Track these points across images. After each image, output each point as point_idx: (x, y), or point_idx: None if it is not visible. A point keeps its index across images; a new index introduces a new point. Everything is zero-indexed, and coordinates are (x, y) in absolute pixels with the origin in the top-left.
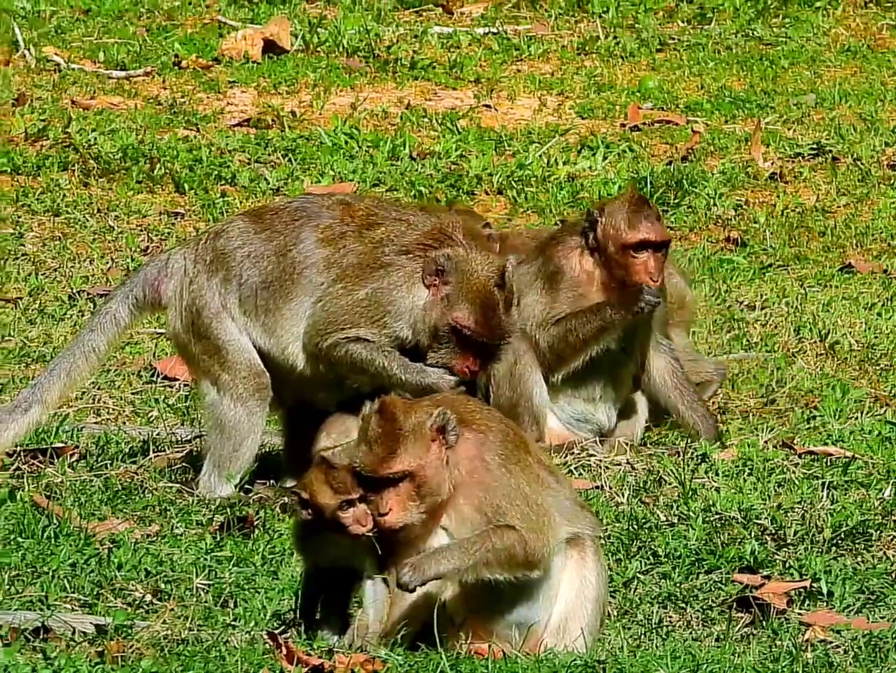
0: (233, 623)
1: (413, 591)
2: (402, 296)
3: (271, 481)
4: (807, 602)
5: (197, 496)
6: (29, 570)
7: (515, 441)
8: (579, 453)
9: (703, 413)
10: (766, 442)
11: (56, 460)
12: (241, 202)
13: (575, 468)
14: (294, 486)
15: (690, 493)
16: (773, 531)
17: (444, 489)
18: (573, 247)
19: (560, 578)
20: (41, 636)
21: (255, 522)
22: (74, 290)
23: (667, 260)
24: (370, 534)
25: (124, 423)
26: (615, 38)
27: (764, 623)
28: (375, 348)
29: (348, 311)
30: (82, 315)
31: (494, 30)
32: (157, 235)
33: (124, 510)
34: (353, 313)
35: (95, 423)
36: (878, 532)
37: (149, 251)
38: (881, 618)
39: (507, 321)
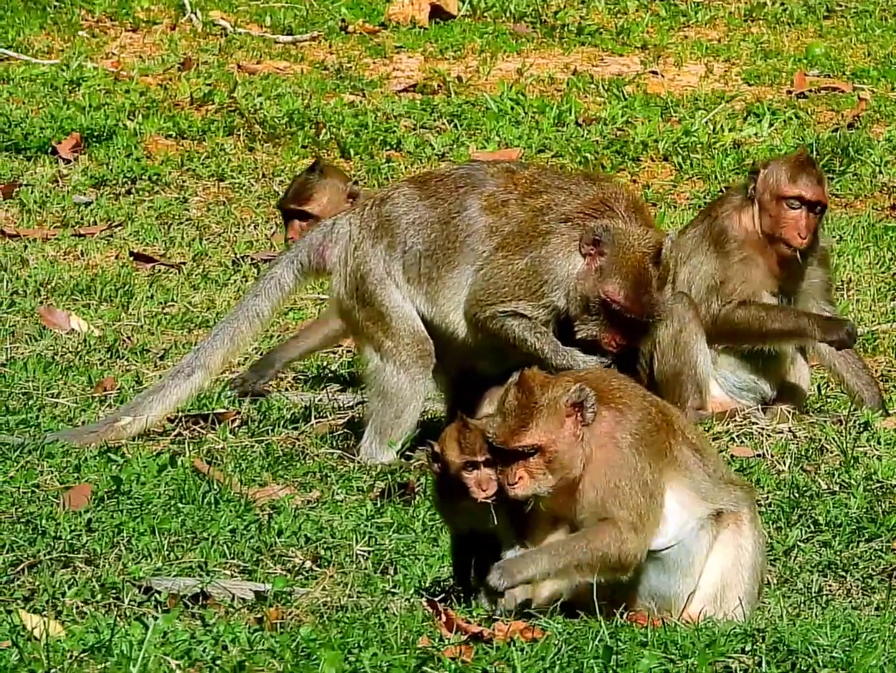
0: (392, 590)
1: (502, 595)
2: (559, 264)
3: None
4: None
5: (358, 462)
6: (189, 536)
7: (656, 421)
8: (741, 421)
9: (868, 380)
10: None
11: (217, 426)
12: (406, 168)
13: (737, 436)
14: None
15: (852, 461)
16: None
17: (575, 465)
18: (736, 205)
19: (702, 552)
20: (200, 603)
21: (416, 489)
22: (238, 256)
23: (820, 224)
24: (490, 501)
25: (286, 389)
26: (782, 4)
27: None
28: (530, 327)
29: (508, 283)
30: (246, 280)
31: None
32: None
33: (285, 476)
34: (513, 285)
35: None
36: None
37: None
38: None
39: (659, 299)
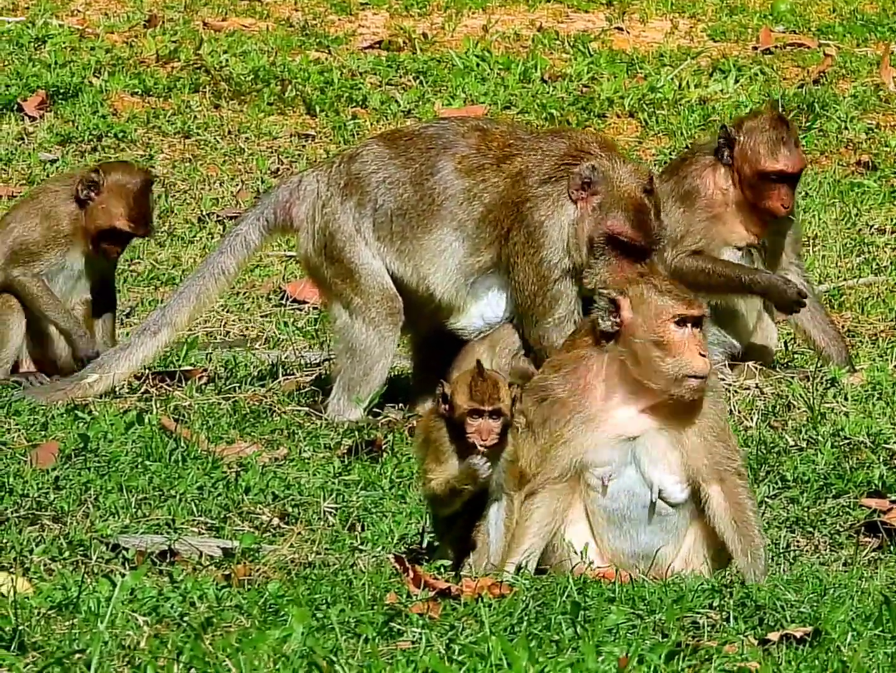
0: (360, 547)
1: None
2: (552, 224)
3: (400, 405)
4: None
5: (325, 420)
6: (156, 493)
7: None
8: None
9: (835, 336)
10: (895, 366)
11: (184, 383)
12: (371, 124)
13: None
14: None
15: (819, 417)
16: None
17: None
18: (707, 165)
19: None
20: (168, 560)
21: (384, 446)
22: (204, 213)
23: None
24: (484, 449)
25: (252, 346)
26: None
27: (892, 548)
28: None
29: (527, 288)
30: (212, 238)
31: None
32: (287, 157)
33: (252, 433)
34: (533, 276)
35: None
36: None
37: (279, 173)
38: None
39: (660, 225)
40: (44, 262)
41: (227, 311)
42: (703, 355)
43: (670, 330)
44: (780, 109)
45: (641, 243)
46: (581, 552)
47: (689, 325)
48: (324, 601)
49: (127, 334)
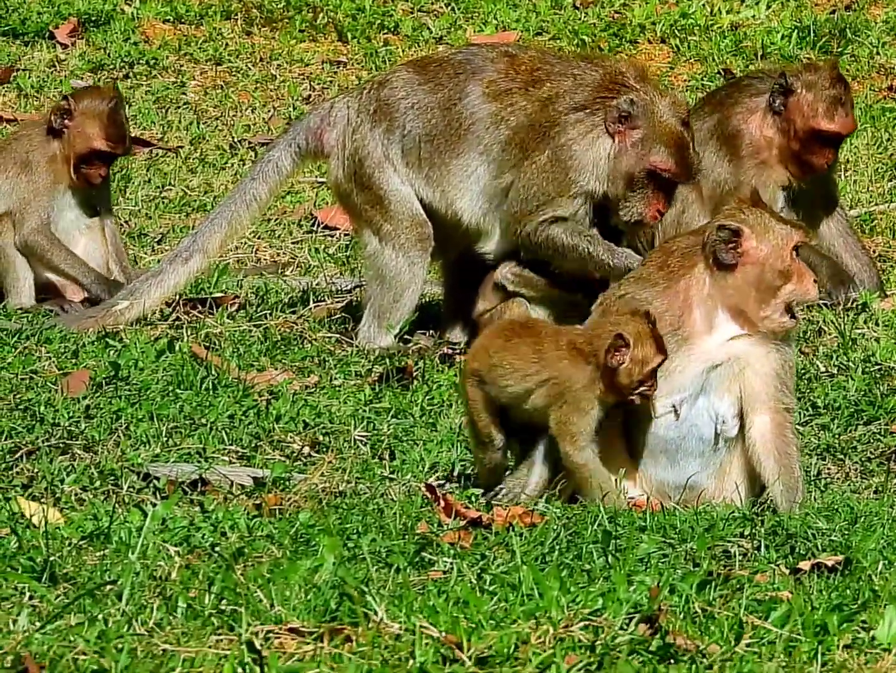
0: (391, 476)
1: None
2: (583, 149)
3: (431, 332)
4: None
5: (356, 347)
6: (187, 422)
7: None
8: None
9: (867, 261)
10: None
11: (215, 311)
12: (403, 51)
13: None
14: (617, 327)
15: (850, 343)
16: None
17: None
18: (753, 109)
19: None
20: (199, 489)
21: (415, 373)
22: (236, 139)
23: None
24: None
25: (283, 272)
26: None
27: None
28: (577, 231)
29: (536, 183)
30: (243, 164)
31: None
32: (318, 84)
33: (283, 361)
34: (542, 183)
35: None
36: None
37: (311, 100)
38: None
39: (698, 158)
40: (33, 213)
41: (258, 238)
42: (816, 281)
43: (793, 257)
44: (812, 35)
45: (682, 179)
46: (617, 480)
47: (801, 251)
48: (355, 531)
49: (158, 261)
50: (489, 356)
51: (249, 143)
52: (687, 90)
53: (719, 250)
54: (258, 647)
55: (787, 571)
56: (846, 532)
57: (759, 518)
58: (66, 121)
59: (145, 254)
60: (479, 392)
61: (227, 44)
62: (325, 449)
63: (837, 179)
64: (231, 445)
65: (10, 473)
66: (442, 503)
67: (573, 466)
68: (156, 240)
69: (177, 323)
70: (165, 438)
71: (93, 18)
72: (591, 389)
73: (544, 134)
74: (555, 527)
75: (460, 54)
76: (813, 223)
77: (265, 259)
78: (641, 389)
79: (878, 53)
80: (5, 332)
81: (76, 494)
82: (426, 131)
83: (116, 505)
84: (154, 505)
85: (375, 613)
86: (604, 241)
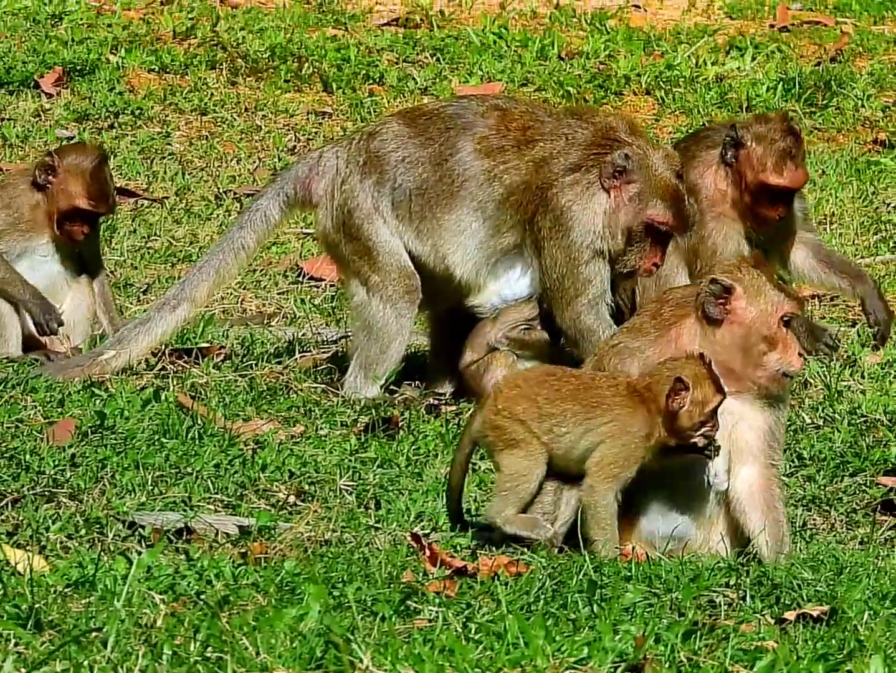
0: (376, 525)
1: None
2: (581, 208)
3: (417, 382)
4: None
5: (342, 397)
6: (173, 470)
7: None
8: None
9: (855, 271)
10: None
11: (201, 360)
12: (388, 102)
13: None
14: (675, 371)
15: (836, 395)
16: None
17: None
18: (709, 163)
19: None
20: (184, 537)
21: (400, 423)
22: (221, 190)
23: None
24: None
25: (269, 323)
26: None
27: None
28: (608, 325)
29: (551, 255)
30: (229, 215)
31: None
32: (304, 135)
33: (269, 411)
34: (555, 252)
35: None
36: None
37: (296, 151)
38: None
39: (694, 210)
40: (3, 243)
41: (244, 289)
42: (801, 355)
43: (780, 326)
44: (797, 87)
45: (679, 231)
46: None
47: (792, 322)
48: (340, 579)
49: (144, 311)
50: (538, 406)
51: (235, 193)
52: (672, 142)
53: (708, 303)
54: None
55: (773, 621)
56: (832, 582)
57: (745, 568)
58: (49, 177)
59: (131, 304)
60: (524, 444)
61: (212, 94)
62: (310, 498)
63: (822, 232)
64: (216, 493)
65: None
66: (427, 552)
67: (592, 502)
68: (141, 290)
69: (163, 373)
70: (151, 487)
71: (78, 68)
72: (648, 435)
73: (542, 196)
74: (540, 576)
75: (450, 107)
76: (793, 265)
77: (251, 310)
78: (703, 430)
79: (863, 106)
80: None
81: (61, 542)
82: (417, 185)
83: (102, 553)
84: (139, 553)
85: (361, 661)
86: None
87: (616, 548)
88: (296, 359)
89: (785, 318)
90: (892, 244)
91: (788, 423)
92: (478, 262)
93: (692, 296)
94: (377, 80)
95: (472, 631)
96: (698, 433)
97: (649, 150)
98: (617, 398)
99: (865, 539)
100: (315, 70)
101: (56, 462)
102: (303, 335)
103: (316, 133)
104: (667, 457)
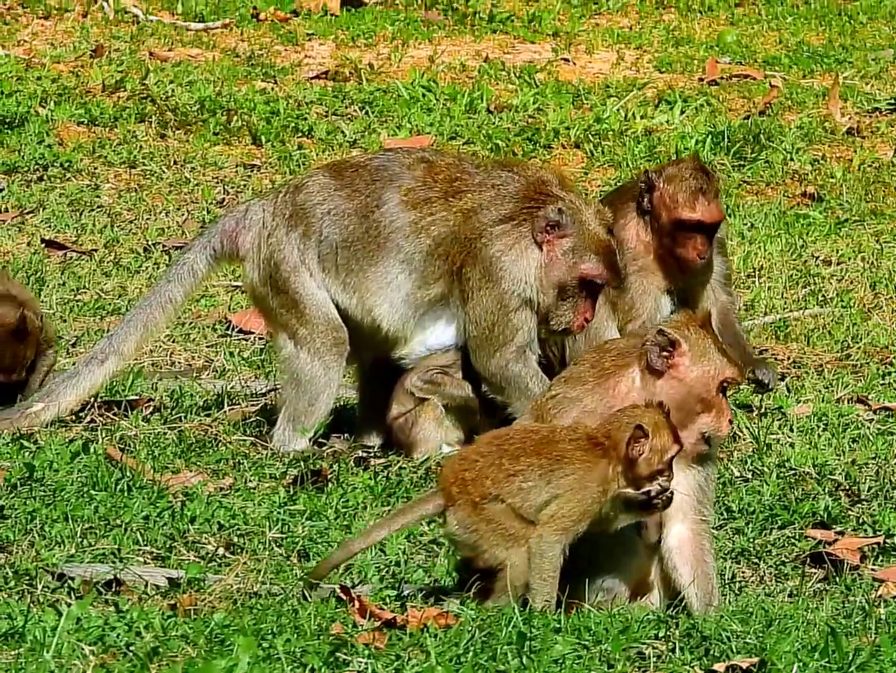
0: (305, 577)
1: None
2: (512, 260)
3: (345, 435)
4: (880, 558)
5: (271, 449)
6: (102, 522)
7: None
8: None
9: (751, 353)
10: (840, 397)
11: (130, 413)
12: (317, 155)
13: None
14: (635, 419)
15: (765, 448)
16: (847, 487)
17: None
18: (631, 215)
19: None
20: (114, 589)
21: (329, 476)
22: (150, 243)
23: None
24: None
25: (198, 376)
26: None
27: (837, 579)
28: (534, 374)
29: (480, 305)
30: (158, 267)
31: None
32: (233, 188)
33: (198, 463)
34: (484, 302)
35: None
36: None
37: (225, 203)
38: None
39: (623, 264)
40: None
41: (173, 342)
42: (730, 421)
43: (718, 391)
44: (726, 140)
45: (614, 285)
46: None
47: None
48: (270, 631)
49: (73, 364)
50: (501, 471)
51: (163, 246)
52: (601, 195)
53: (651, 352)
54: None
55: None
56: (761, 634)
57: (674, 620)
58: None
59: (60, 357)
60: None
61: (141, 146)
62: (239, 550)
63: (751, 285)
64: (146, 545)
65: None
66: (356, 604)
67: (539, 551)
68: (70, 343)
69: (92, 425)
70: (80, 539)
71: (7, 120)
72: (605, 490)
73: (471, 246)
74: (469, 628)
75: (376, 160)
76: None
77: (180, 363)
78: (660, 478)
79: (791, 159)
80: None
81: None
82: (343, 237)
83: (31, 605)
84: (69, 605)
85: None
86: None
87: (550, 601)
88: (224, 411)
89: (724, 384)
90: (820, 297)
91: (718, 475)
92: (404, 314)
93: (634, 347)
94: (306, 132)
95: None
96: (654, 481)
97: (581, 205)
98: (578, 452)
99: (794, 591)
100: (244, 123)
101: None
102: (231, 388)
103: (245, 185)
104: (618, 516)
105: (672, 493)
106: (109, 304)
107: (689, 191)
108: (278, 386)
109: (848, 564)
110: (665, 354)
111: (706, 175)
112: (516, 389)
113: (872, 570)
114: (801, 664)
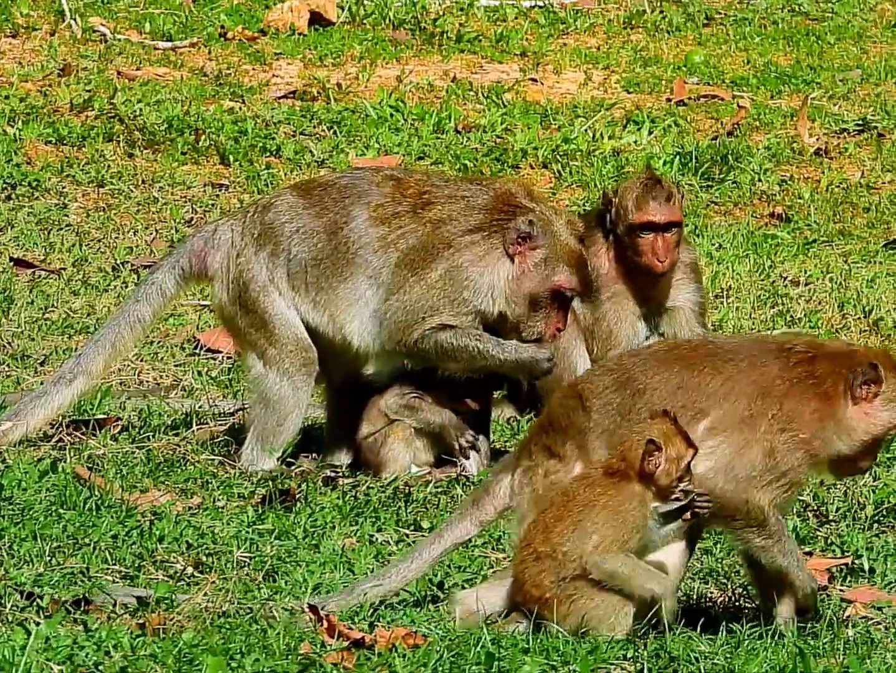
0: (274, 596)
1: None
2: (479, 271)
3: (313, 455)
4: (848, 579)
5: (239, 469)
6: (70, 541)
7: None
8: None
9: None
10: None
11: (98, 432)
12: (286, 174)
13: None
14: (644, 434)
15: None
16: (815, 508)
17: None
18: (601, 243)
19: None
20: (82, 608)
21: (297, 495)
22: (118, 262)
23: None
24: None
25: (166, 395)
26: (661, 12)
27: None
28: (464, 333)
29: (425, 298)
30: (126, 286)
31: (540, 3)
32: (201, 207)
33: (166, 482)
34: (431, 297)
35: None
36: None
37: (193, 223)
38: None
39: (597, 288)
40: None
41: (141, 360)
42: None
43: (886, 439)
44: (694, 161)
45: (585, 296)
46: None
47: None
48: (238, 650)
49: (41, 383)
50: (550, 533)
51: (132, 265)
52: None
53: (857, 379)
54: None
55: None
56: (729, 656)
57: (642, 640)
58: None
59: (28, 375)
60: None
61: (109, 166)
62: (208, 569)
63: (720, 306)
64: (115, 564)
65: None
66: (325, 624)
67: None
68: (38, 361)
69: (60, 444)
70: (49, 558)
71: None
72: (639, 502)
73: (437, 255)
74: (437, 648)
75: (345, 178)
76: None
77: (148, 381)
78: (682, 485)
79: (759, 180)
80: None
81: None
82: (312, 255)
83: None
84: (37, 624)
85: None
86: (490, 336)
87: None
88: (193, 431)
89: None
90: (789, 318)
91: None
92: (373, 330)
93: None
94: (274, 152)
95: None
96: (679, 489)
97: (552, 215)
98: (598, 489)
99: (763, 612)
100: (212, 142)
101: None
102: (200, 407)
103: (213, 205)
104: (664, 528)
105: (707, 494)
106: (78, 322)
107: (638, 196)
108: (246, 405)
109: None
110: (866, 385)
111: (656, 182)
112: (439, 354)
113: (840, 590)
114: None
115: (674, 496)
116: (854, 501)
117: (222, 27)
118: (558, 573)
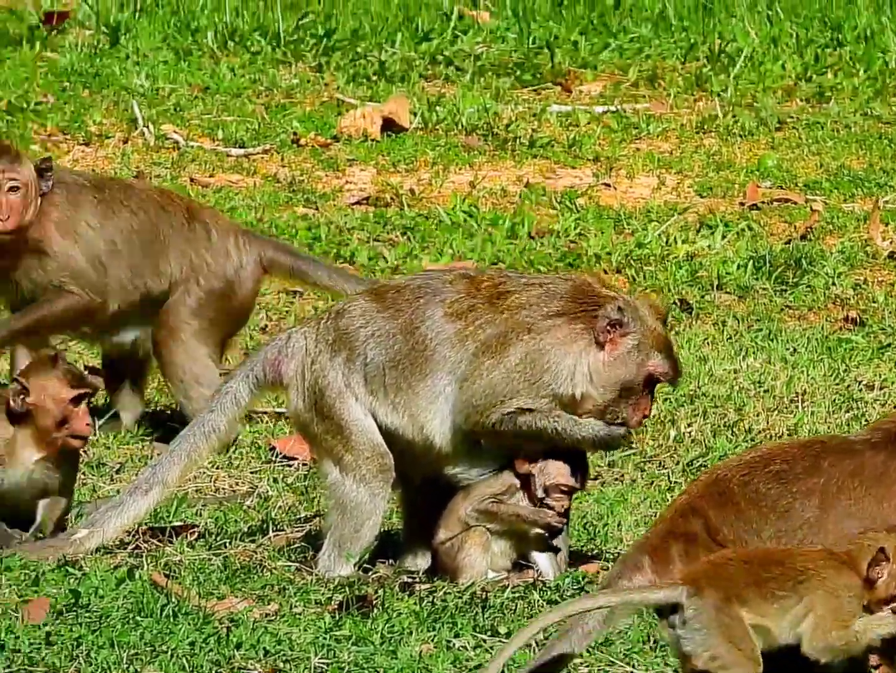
0: None
1: None
2: (562, 355)
3: (390, 560)
4: None
5: (316, 575)
6: (148, 648)
7: None
8: None
9: None
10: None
11: (175, 539)
12: None
13: None
14: (877, 542)
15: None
16: None
17: None
18: None
19: None
20: None
21: (374, 601)
22: None
23: None
24: None
25: (243, 502)
26: (734, 116)
27: None
28: (542, 415)
29: (505, 382)
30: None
31: (613, 108)
32: (275, 314)
33: (243, 589)
34: (510, 381)
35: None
36: None
37: (267, 330)
38: None
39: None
40: None
41: (217, 468)
42: None
43: None
44: (768, 265)
45: (676, 381)
46: None
47: None
48: None
49: (117, 491)
50: (751, 574)
51: None
52: None
53: None
54: None
55: None
56: None
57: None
58: (25, 399)
59: (104, 483)
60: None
61: None
62: None
63: (795, 410)
64: (192, 671)
65: None
66: None
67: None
68: (114, 469)
69: (137, 551)
70: (126, 665)
71: None
72: (855, 593)
73: (517, 338)
74: None
75: (417, 279)
76: None
77: (224, 488)
78: (894, 604)
79: (833, 284)
80: None
81: None
82: (389, 357)
83: None
84: None
85: None
86: (567, 415)
87: None
88: (269, 537)
89: None
90: (864, 422)
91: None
92: (454, 425)
93: None
94: (348, 258)
95: None
96: (889, 606)
97: (636, 301)
98: (820, 562)
99: None
100: None
101: (31, 640)
102: (276, 514)
103: (287, 312)
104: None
105: None
106: (151, 431)
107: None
108: (322, 511)
109: None
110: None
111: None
112: (519, 437)
113: None
114: None
115: (884, 612)
116: None
117: (295, 134)
118: (749, 594)
